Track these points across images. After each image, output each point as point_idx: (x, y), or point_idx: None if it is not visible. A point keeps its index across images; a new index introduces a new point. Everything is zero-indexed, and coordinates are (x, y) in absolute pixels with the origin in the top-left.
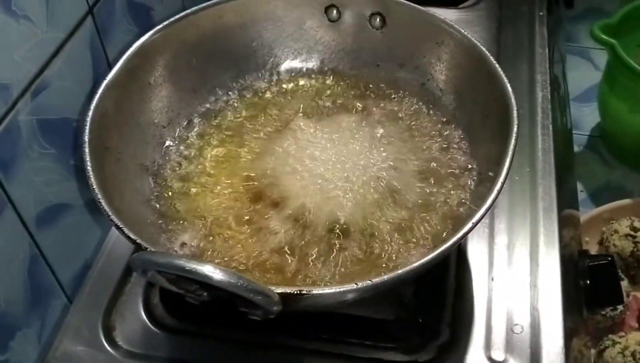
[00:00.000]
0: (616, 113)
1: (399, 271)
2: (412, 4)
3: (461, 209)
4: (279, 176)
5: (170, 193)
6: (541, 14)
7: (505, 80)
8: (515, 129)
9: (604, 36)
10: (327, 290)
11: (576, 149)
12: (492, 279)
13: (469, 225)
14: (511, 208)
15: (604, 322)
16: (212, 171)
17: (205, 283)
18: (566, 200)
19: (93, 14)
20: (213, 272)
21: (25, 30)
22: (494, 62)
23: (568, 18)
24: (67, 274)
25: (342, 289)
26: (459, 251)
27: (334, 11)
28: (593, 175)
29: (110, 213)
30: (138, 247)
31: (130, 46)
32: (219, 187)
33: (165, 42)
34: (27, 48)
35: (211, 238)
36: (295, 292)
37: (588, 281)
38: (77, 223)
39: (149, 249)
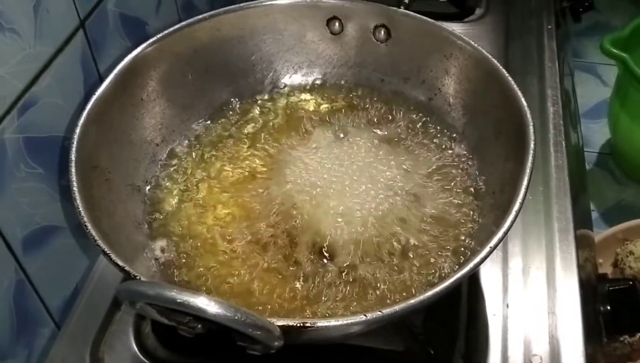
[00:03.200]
0: (628, 129)
1: (411, 301)
2: (418, 15)
3: (474, 233)
4: (281, 197)
5: (163, 216)
6: (550, 27)
7: (520, 94)
8: (532, 146)
9: (614, 50)
10: (333, 322)
11: (586, 167)
12: (507, 306)
13: (486, 250)
14: (525, 229)
15: (622, 349)
16: (209, 193)
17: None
18: (581, 220)
19: (84, 28)
20: (207, 305)
21: (12, 45)
22: (507, 75)
23: (574, 33)
24: (55, 301)
25: (349, 321)
26: (471, 276)
27: (336, 23)
28: (604, 194)
29: (96, 238)
30: (127, 275)
31: (122, 59)
32: (217, 210)
33: (160, 55)
34: (14, 63)
35: (208, 264)
36: (299, 325)
37: (608, 307)
38: (66, 247)
39: (138, 277)
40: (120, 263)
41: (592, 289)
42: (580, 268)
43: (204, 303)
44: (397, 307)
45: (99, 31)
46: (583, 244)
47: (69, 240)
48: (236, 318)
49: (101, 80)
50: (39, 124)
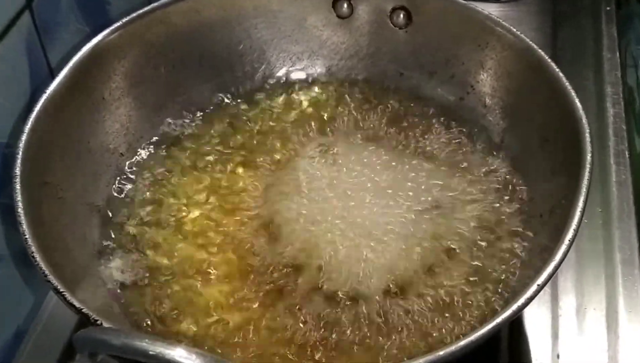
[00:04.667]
0: None
1: (440, 353)
2: None
3: (517, 267)
4: (275, 221)
5: (128, 244)
6: (608, 8)
7: (573, 92)
8: (589, 158)
9: None
10: None
11: None
12: (558, 356)
13: (532, 289)
14: (579, 261)
15: None
16: (185, 214)
17: None
18: None
19: (32, 9)
20: (187, 358)
21: None
22: (557, 69)
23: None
24: None
25: None
26: (514, 321)
27: (344, 5)
28: None
29: (47, 272)
30: (85, 319)
31: (79, 49)
32: (194, 237)
33: (126, 43)
34: None
35: (184, 307)
36: None
37: None
38: (7, 279)
39: (99, 322)
40: (77, 304)
41: None
42: None
43: (183, 356)
44: (421, 360)
45: (48, 13)
46: None
47: (10, 270)
48: None
49: (52, 74)
50: None
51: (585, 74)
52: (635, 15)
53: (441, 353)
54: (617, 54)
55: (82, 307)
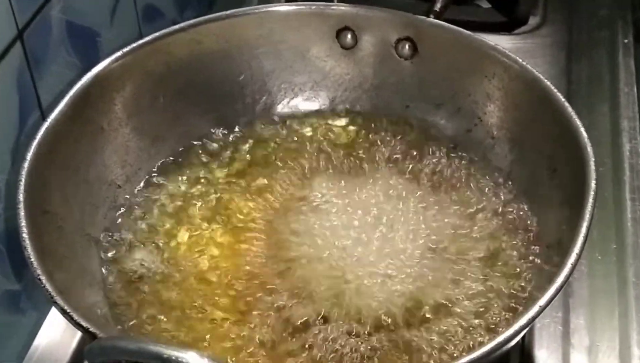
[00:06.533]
0: None
1: None
2: (452, 26)
3: (523, 295)
4: (281, 259)
5: (126, 279)
6: (626, 41)
7: (578, 122)
8: (593, 184)
9: None
10: None
11: None
12: None
13: (535, 309)
14: (592, 298)
15: None
16: (184, 252)
17: None
18: None
19: (23, 40)
20: (199, 361)
21: None
22: (562, 98)
23: None
24: None
25: None
26: (524, 357)
27: (349, 35)
28: None
29: (53, 294)
30: (91, 337)
31: (73, 81)
32: (195, 278)
33: (126, 73)
34: None
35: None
36: None
37: None
38: None
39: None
40: (85, 323)
41: None
42: None
43: (194, 359)
44: None
45: (40, 44)
46: None
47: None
48: None
49: (41, 107)
50: None
51: (601, 108)
52: None
53: None
54: (635, 88)
55: (89, 326)
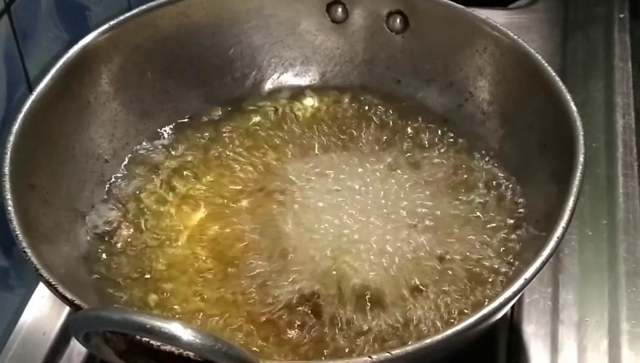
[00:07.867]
0: None
1: (427, 341)
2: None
3: (511, 270)
4: (268, 231)
5: (112, 253)
6: (622, 16)
7: (569, 96)
8: (581, 158)
9: None
10: None
11: None
12: None
13: (520, 282)
14: (583, 274)
15: None
16: (172, 227)
17: (170, 352)
18: None
19: (10, 13)
20: (182, 331)
21: None
22: (552, 72)
23: None
24: None
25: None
26: (512, 333)
27: (339, 9)
28: None
29: (38, 265)
30: (76, 309)
31: (57, 54)
32: (184, 249)
33: (112, 47)
34: None
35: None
36: None
37: None
38: None
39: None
40: (70, 296)
41: None
42: None
43: (178, 330)
44: (408, 348)
45: (27, 17)
46: None
47: None
48: (216, 348)
49: (28, 81)
50: None
51: (595, 84)
52: None
53: (428, 341)
54: (630, 64)
55: (74, 299)
